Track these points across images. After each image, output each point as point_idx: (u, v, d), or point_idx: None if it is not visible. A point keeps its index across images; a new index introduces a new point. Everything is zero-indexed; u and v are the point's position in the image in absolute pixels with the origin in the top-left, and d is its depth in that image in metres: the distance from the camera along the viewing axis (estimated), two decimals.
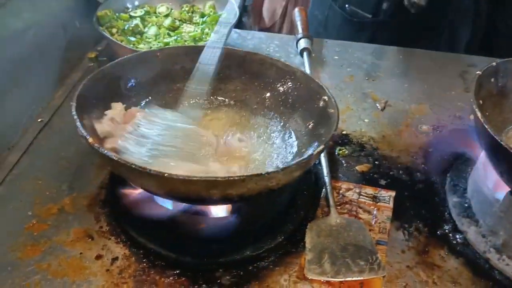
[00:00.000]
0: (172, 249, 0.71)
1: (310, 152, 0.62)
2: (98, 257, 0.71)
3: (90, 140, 0.59)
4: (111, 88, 0.76)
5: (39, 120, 0.94)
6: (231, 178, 0.55)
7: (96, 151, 0.58)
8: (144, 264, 0.71)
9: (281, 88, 0.84)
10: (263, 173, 0.56)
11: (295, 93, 0.82)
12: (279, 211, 0.78)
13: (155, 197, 0.74)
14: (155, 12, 1.19)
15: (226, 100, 0.88)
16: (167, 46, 0.98)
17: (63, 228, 0.75)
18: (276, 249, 0.74)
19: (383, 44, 1.24)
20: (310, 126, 0.77)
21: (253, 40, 1.24)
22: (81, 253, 0.71)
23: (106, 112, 0.70)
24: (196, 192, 0.57)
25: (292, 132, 0.80)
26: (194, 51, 0.85)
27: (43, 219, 0.76)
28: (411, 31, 1.33)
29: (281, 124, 0.83)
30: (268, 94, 0.85)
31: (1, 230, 0.74)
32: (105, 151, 0.57)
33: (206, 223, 0.74)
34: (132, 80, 0.79)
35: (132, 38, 1.07)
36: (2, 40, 0.84)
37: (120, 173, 0.61)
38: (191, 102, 0.80)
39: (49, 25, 0.98)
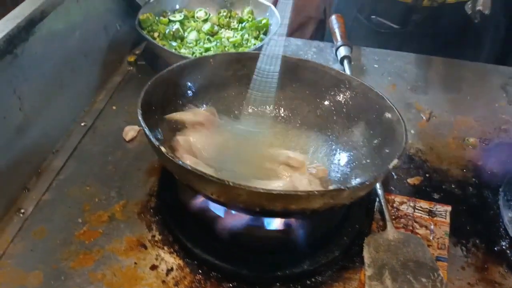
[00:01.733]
0: (228, 261, 0.69)
1: (387, 166, 0.60)
2: (153, 267, 0.69)
3: (163, 149, 0.57)
4: (168, 94, 0.74)
5: (82, 124, 0.92)
6: (311, 193, 0.53)
7: (170, 160, 0.56)
8: (200, 276, 0.69)
9: (334, 98, 0.82)
10: (342, 187, 0.54)
11: (350, 102, 0.80)
12: (334, 224, 0.76)
13: (210, 206, 0.72)
14: (193, 17, 1.17)
15: (276, 108, 0.86)
16: (220, 53, 0.96)
17: (115, 237, 0.73)
18: (333, 263, 0.72)
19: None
20: (369, 137, 0.75)
21: (290, 47, 1.22)
22: (135, 263, 0.69)
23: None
24: (274, 205, 0.55)
25: (348, 143, 0.78)
26: (246, 58, 0.84)
27: (94, 226, 0.74)
28: (437, 41, 1.31)
29: (335, 135, 0.81)
30: (320, 104, 0.83)
31: (52, 237, 0.72)
32: (181, 162, 0.55)
33: (262, 235, 0.72)
34: (187, 86, 0.78)
35: (174, 43, 1.05)
36: (51, 43, 0.82)
37: (192, 184, 0.59)
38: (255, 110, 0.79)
39: (93, 27, 0.97)
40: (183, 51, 1.04)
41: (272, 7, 1.15)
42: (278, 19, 1.10)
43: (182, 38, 1.09)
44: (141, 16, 1.05)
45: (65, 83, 0.88)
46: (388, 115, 0.72)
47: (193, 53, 1.03)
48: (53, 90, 0.85)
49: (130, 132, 0.89)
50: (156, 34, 1.05)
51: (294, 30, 1.69)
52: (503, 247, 0.77)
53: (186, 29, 1.12)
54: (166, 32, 1.07)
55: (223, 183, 0.53)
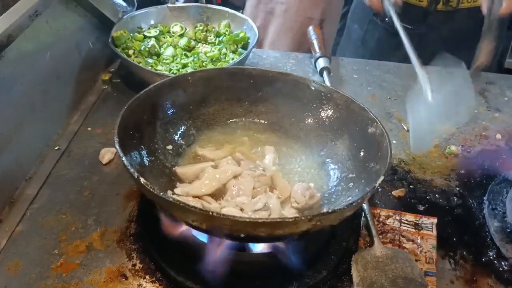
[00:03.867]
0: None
1: (374, 184, 0.58)
2: None
3: (143, 181, 0.54)
4: (146, 115, 0.72)
5: (56, 148, 0.88)
6: (298, 218, 0.51)
7: (148, 190, 0.54)
8: None
9: (316, 110, 0.81)
10: (329, 210, 0.52)
11: (333, 115, 0.79)
12: (321, 243, 0.74)
13: (194, 232, 0.69)
14: (169, 32, 1.15)
15: (258, 121, 0.84)
16: (198, 70, 0.94)
17: (94, 268, 0.69)
18: (322, 284, 0.70)
19: (422, 56, 1.22)
20: (354, 151, 0.74)
21: (268, 59, 1.21)
22: None
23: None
24: (260, 231, 0.53)
25: (332, 156, 0.77)
26: (225, 73, 0.82)
27: (71, 257, 0.70)
28: (449, 43, 1.32)
29: (319, 148, 0.79)
30: (302, 117, 0.82)
31: (27, 272, 0.68)
32: (161, 194, 0.53)
33: (248, 260, 0.70)
34: (166, 106, 0.76)
35: (150, 60, 1.03)
36: (21, 65, 0.79)
37: (174, 214, 0.57)
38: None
39: (65, 46, 0.93)
40: (159, 68, 1.01)
41: (249, 20, 1.13)
42: (256, 32, 1.09)
43: (158, 55, 1.06)
44: (115, 33, 1.02)
45: (36, 106, 0.84)
46: (371, 128, 0.70)
47: (170, 69, 1.01)
48: (24, 114, 0.81)
49: (106, 154, 0.86)
50: (131, 52, 1.02)
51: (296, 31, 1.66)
52: (491, 257, 0.76)
53: (162, 45, 1.10)
54: (142, 48, 1.04)
55: (206, 214, 0.51)
